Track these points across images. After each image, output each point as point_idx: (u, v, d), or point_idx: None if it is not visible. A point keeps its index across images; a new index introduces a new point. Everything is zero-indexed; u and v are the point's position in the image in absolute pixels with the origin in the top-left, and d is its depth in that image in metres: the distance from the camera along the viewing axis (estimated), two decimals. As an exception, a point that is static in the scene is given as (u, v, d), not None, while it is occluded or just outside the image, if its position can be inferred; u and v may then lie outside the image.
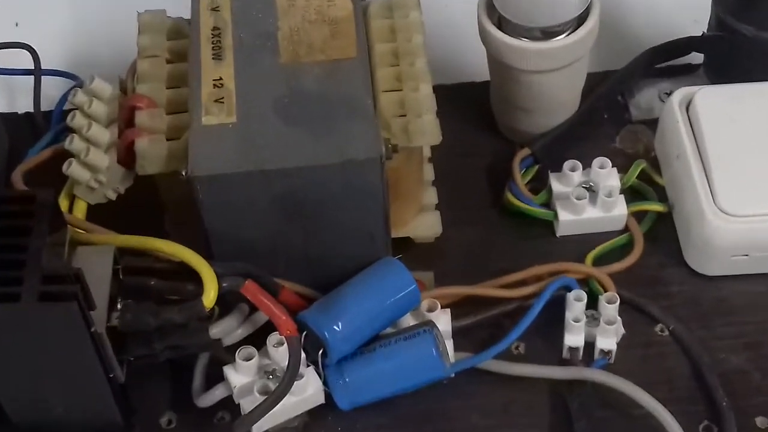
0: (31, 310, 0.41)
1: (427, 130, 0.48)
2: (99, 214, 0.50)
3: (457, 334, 0.50)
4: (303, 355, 0.47)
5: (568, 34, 0.53)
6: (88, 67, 0.56)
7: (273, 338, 0.47)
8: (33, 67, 0.61)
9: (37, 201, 0.44)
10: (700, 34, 0.59)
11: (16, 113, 0.60)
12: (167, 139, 0.48)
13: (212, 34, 0.50)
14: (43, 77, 0.61)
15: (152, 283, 0.47)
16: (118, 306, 0.46)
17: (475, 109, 0.60)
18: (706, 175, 0.53)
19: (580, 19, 0.54)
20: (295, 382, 0.46)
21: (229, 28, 0.50)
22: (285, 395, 0.46)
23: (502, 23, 0.54)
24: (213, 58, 0.49)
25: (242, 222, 0.48)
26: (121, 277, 0.46)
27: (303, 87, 0.48)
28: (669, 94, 0.57)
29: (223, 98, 0.48)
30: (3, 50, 0.61)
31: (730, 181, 0.52)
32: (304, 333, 0.47)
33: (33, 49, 0.62)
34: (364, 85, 0.48)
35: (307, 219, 0.48)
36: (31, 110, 0.60)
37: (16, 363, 0.44)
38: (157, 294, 0.47)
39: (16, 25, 0.64)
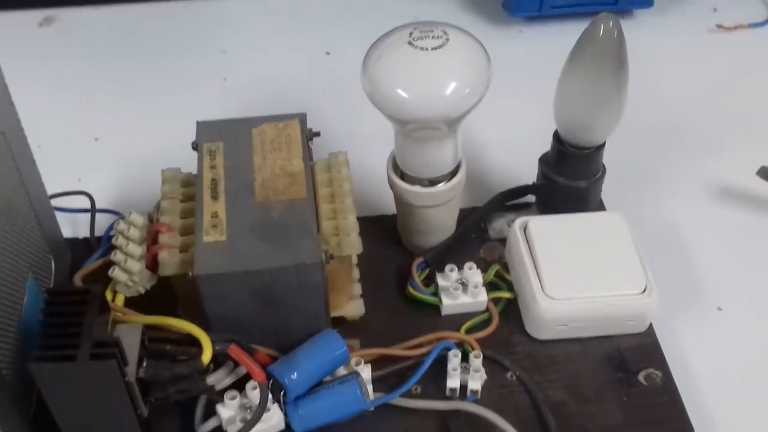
0: (84, 366, 0.41)
1: (353, 244, 0.49)
2: (133, 303, 0.50)
3: (375, 380, 0.50)
4: (270, 395, 0.47)
5: (446, 183, 0.55)
6: (127, 206, 0.56)
7: (250, 384, 0.47)
8: (90, 207, 0.62)
9: (90, 293, 0.44)
10: (531, 183, 0.60)
11: (77, 238, 0.60)
12: (180, 252, 0.49)
13: (211, 184, 0.51)
14: (96, 214, 0.61)
15: (167, 348, 0.47)
16: (144, 363, 0.45)
17: (387, 232, 0.60)
18: (537, 274, 0.53)
19: (453, 173, 0.55)
20: (264, 414, 0.46)
21: (222, 180, 0.51)
22: (257, 423, 0.46)
23: (403, 176, 0.55)
24: (211, 198, 0.50)
25: (230, 306, 0.48)
26: (146, 344, 0.46)
27: (270, 217, 0.49)
28: (513, 222, 0.57)
29: (217, 224, 0.48)
30: (70, 196, 0.62)
31: (553, 277, 0.53)
32: (271, 381, 0.47)
33: (90, 195, 0.62)
34: (311, 216, 0.49)
35: (273, 304, 0.48)
36: (88, 236, 0.60)
37: (72, 404, 0.44)
38: (171, 355, 0.47)
39: (79, 180, 0.64)
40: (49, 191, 0.55)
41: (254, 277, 0.46)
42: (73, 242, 0.59)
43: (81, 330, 0.42)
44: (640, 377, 0.52)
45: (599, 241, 0.55)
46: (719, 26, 0.80)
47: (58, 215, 0.56)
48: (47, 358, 0.41)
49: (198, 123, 0.54)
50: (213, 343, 0.46)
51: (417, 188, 0.54)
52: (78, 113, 0.72)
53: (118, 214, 0.60)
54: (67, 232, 0.58)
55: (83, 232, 0.60)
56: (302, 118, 0.54)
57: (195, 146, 0.53)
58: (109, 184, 0.65)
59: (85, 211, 0.61)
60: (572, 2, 0.77)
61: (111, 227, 0.58)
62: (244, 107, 0.56)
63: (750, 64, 0.77)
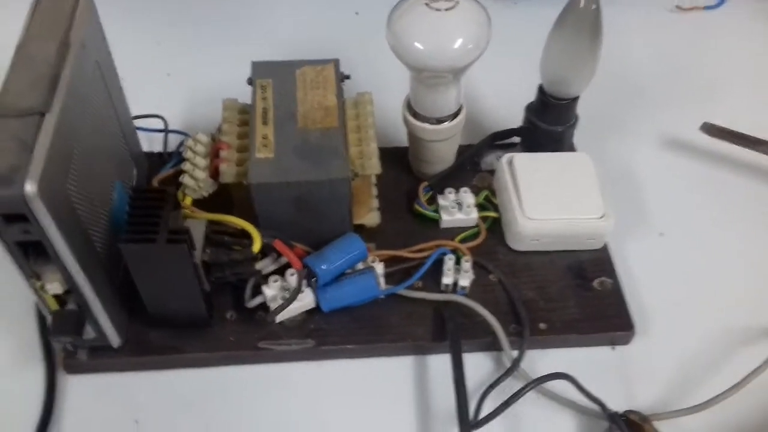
0: (161, 247, 0.42)
1: (373, 166, 0.49)
2: (198, 204, 0.50)
3: (386, 275, 0.51)
4: (304, 281, 0.48)
5: (449, 121, 0.55)
6: (194, 127, 0.56)
7: (289, 271, 0.48)
8: (164, 128, 0.61)
9: (166, 192, 0.45)
10: (518, 127, 0.60)
11: (152, 152, 0.60)
12: (237, 165, 0.49)
13: (262, 112, 0.51)
14: (169, 134, 0.61)
15: (226, 238, 0.47)
16: (207, 250, 0.46)
17: (400, 160, 0.60)
18: (518, 199, 0.54)
19: (455, 114, 0.55)
20: (299, 294, 0.47)
21: (271, 109, 0.51)
22: (294, 301, 0.47)
23: (415, 114, 0.55)
24: (262, 123, 0.50)
25: (275, 209, 0.48)
26: (209, 235, 0.47)
27: (309, 140, 0.49)
28: (501, 157, 0.57)
29: (267, 144, 0.48)
30: (148, 118, 0.61)
31: (530, 201, 0.53)
32: (305, 269, 0.48)
33: (164, 118, 0.62)
34: (341, 142, 0.49)
35: (309, 209, 0.48)
36: (162, 150, 0.60)
37: (151, 279, 0.45)
38: (228, 244, 0.47)
39: (155, 106, 0.63)
40: (134, 113, 0.55)
41: (295, 187, 0.47)
42: (151, 155, 0.59)
43: (159, 220, 0.42)
44: (595, 283, 0.53)
45: (569, 176, 0.55)
46: (678, 7, 0.79)
47: (138, 134, 0.56)
48: (133, 240, 0.42)
49: (253, 63, 0.54)
50: (261, 236, 0.47)
51: (426, 125, 0.54)
52: (154, 52, 0.71)
53: (185, 134, 0.60)
54: (144, 146, 0.58)
55: (157, 148, 0.61)
56: (336, 63, 0.54)
57: (250, 81, 0.53)
58: (179, 110, 0.64)
59: (159, 131, 0.61)
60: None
61: (181, 143, 0.58)
62: (289, 54, 0.55)
63: (701, 41, 0.76)
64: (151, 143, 0.61)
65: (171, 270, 0.43)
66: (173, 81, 0.68)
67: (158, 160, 0.58)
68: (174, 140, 0.60)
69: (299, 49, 0.65)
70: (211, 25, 0.74)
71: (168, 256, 0.42)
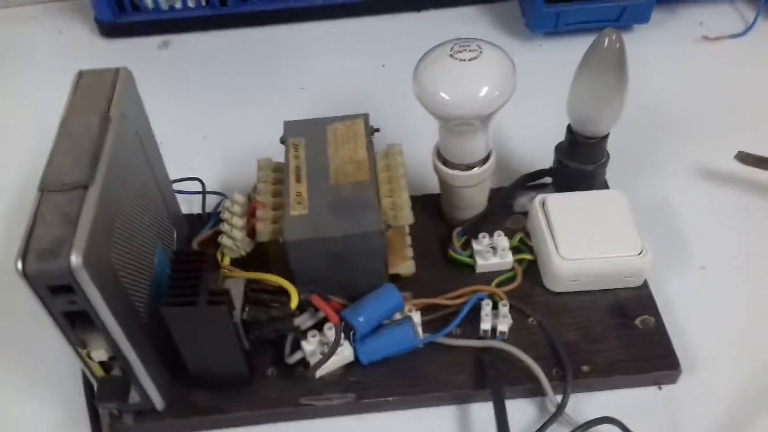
0: (202, 309, 0.42)
1: (406, 216, 0.49)
2: (237, 263, 0.51)
3: (424, 324, 0.50)
4: (342, 334, 0.48)
5: (479, 167, 0.54)
6: (231, 188, 0.56)
7: (327, 325, 0.48)
8: (201, 190, 0.62)
9: (205, 255, 0.45)
10: (549, 167, 0.59)
11: (192, 213, 0.60)
12: (272, 223, 0.50)
13: (295, 170, 0.51)
14: (207, 195, 0.62)
15: (264, 296, 0.48)
16: (246, 308, 0.46)
17: (432, 207, 0.59)
18: (553, 239, 0.53)
19: (485, 160, 0.55)
20: (338, 348, 0.47)
21: (304, 166, 0.51)
22: (333, 355, 0.47)
23: (445, 162, 0.55)
24: (296, 182, 0.50)
25: (310, 265, 0.48)
26: (248, 294, 0.47)
27: (341, 195, 0.49)
28: (534, 198, 0.57)
29: (301, 201, 0.49)
30: (187, 181, 0.62)
31: (566, 241, 0.53)
32: (343, 323, 0.48)
33: (201, 180, 0.63)
34: (373, 195, 0.49)
35: (344, 263, 0.48)
36: (201, 212, 0.61)
37: (192, 340, 0.45)
38: (267, 302, 0.47)
39: (192, 168, 0.64)
40: (170, 177, 0.56)
41: (329, 242, 0.47)
42: (189, 216, 0.60)
43: (200, 282, 0.43)
44: (637, 322, 0.52)
45: (603, 213, 0.54)
46: (704, 37, 0.78)
47: (177, 197, 0.57)
48: (174, 303, 0.42)
49: (285, 122, 0.55)
50: (299, 293, 0.47)
51: (456, 172, 0.54)
52: (190, 117, 0.73)
53: (223, 195, 0.61)
54: (183, 209, 0.59)
55: (196, 210, 0.61)
56: (366, 117, 0.55)
57: (283, 140, 0.54)
58: (215, 172, 0.65)
59: (197, 193, 0.62)
60: (582, 20, 0.76)
61: (219, 204, 0.59)
62: (320, 110, 0.56)
63: (729, 69, 0.75)
64: (190, 205, 0.62)
65: (212, 331, 0.43)
66: (209, 143, 0.70)
67: (197, 221, 0.59)
68: (212, 201, 0.61)
69: (330, 104, 0.66)
70: (244, 87, 0.76)
71: (209, 317, 0.42)
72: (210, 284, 0.43)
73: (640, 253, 0.52)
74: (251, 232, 0.50)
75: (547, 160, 0.59)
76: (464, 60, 0.49)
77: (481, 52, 0.49)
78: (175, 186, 0.57)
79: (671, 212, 0.61)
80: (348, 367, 0.49)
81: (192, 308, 0.41)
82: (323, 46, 0.80)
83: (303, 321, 0.49)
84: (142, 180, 0.48)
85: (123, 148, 0.44)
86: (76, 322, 0.41)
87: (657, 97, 0.72)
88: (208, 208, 0.61)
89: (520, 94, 0.51)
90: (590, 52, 0.52)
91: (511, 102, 0.50)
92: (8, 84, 0.77)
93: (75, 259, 0.36)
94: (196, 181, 0.63)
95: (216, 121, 0.72)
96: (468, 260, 0.55)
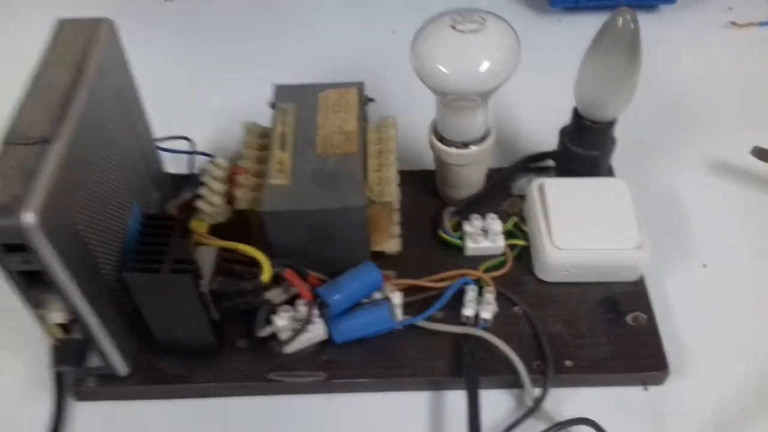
0: (165, 278, 0.41)
1: (392, 193, 0.48)
2: (217, 229, 0.49)
3: (405, 305, 0.49)
4: (315, 311, 0.46)
5: (476, 146, 0.52)
6: (215, 151, 0.56)
7: (300, 301, 0.47)
8: (189, 150, 0.61)
9: (175, 220, 0.44)
10: (553, 150, 0.57)
11: (174, 174, 0.58)
12: (253, 191, 0.48)
13: (280, 137, 0.49)
14: (197, 156, 0.60)
15: (237, 267, 0.46)
16: (217, 278, 0.45)
17: (427, 184, 0.58)
18: (548, 226, 0.51)
19: (483, 138, 0.52)
20: (309, 326, 0.46)
21: (291, 134, 0.50)
22: (303, 331, 0.46)
23: (441, 138, 0.53)
24: (279, 149, 0.49)
25: (289, 238, 0.47)
26: (219, 263, 0.46)
27: (326, 167, 0.47)
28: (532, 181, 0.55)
29: (283, 170, 0.47)
30: (175, 139, 0.61)
31: (561, 230, 0.51)
32: (318, 299, 0.46)
33: (190, 139, 0.61)
34: (359, 168, 0.47)
35: (324, 238, 0.47)
36: (185, 172, 0.59)
37: (157, 308, 0.44)
38: (239, 273, 0.46)
39: (185, 130, 0.62)
40: (161, 135, 0.54)
41: (309, 215, 0.45)
42: (174, 176, 0.58)
43: (166, 249, 0.41)
44: (628, 318, 0.50)
45: (603, 202, 0.52)
46: (732, 23, 0.74)
47: (163, 155, 0.55)
48: (137, 269, 0.41)
49: (276, 86, 0.53)
50: (272, 266, 0.45)
51: (452, 149, 0.52)
52: (189, 74, 0.70)
53: (209, 156, 0.59)
54: (172, 169, 0.57)
55: (181, 170, 0.60)
56: (360, 86, 0.52)
57: (272, 105, 0.52)
58: (208, 132, 0.63)
59: (187, 152, 0.60)
60: (605, -5, 0.73)
61: (202, 167, 0.56)
62: (324, 73, 0.53)
63: (756, 58, 0.71)
64: (179, 165, 0.60)
65: (176, 300, 0.42)
66: (205, 101, 0.67)
67: (185, 182, 0.56)
68: (202, 162, 0.59)
69: (333, 70, 0.64)
70: (240, 46, 0.73)
71: (173, 286, 0.41)
72: (177, 251, 0.41)
73: (636, 247, 0.50)
74: (230, 199, 0.48)
75: (551, 143, 0.56)
76: (465, 32, 0.46)
77: (484, 23, 0.46)
78: (165, 144, 0.55)
79: (678, 206, 0.58)
80: (322, 345, 0.48)
81: (155, 275, 0.40)
82: (329, 4, 0.77)
83: (276, 295, 0.47)
84: (120, 138, 0.46)
85: (97, 104, 0.42)
86: (36, 281, 0.39)
87: (675, 82, 0.68)
88: (198, 170, 0.58)
89: (532, 71, 0.48)
90: (602, 31, 0.48)
91: (520, 78, 0.47)
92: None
93: (29, 218, 0.34)
94: (185, 139, 0.61)
95: (215, 78, 0.70)
96: (457, 242, 0.53)
